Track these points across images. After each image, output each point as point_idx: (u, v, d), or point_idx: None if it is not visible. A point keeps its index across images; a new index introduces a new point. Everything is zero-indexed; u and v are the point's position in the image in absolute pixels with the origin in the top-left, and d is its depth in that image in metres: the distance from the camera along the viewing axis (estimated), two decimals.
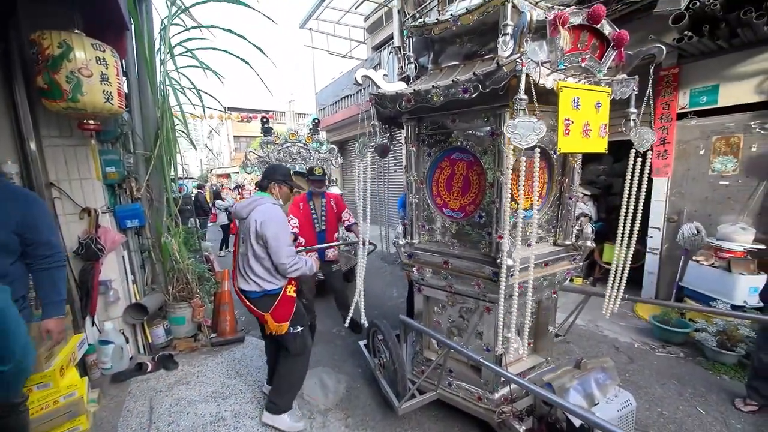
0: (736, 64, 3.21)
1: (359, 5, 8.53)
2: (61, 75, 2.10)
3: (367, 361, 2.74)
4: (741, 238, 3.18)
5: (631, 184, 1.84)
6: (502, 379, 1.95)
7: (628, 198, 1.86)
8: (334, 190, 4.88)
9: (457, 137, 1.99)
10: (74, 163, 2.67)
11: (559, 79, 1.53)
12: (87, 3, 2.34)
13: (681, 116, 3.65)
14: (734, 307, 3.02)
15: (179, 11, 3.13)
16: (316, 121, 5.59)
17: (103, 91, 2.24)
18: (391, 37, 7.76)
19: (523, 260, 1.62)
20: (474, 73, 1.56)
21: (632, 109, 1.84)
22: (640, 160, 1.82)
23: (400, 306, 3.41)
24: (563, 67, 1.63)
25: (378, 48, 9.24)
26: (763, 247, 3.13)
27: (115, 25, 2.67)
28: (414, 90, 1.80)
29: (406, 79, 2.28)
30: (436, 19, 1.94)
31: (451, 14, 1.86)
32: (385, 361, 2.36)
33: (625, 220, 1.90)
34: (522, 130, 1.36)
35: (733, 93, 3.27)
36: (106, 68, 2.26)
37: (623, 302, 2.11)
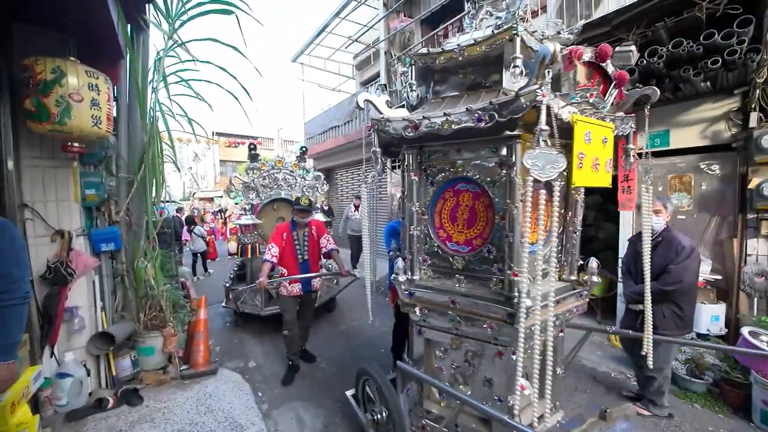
0: (682, 113, 3.62)
1: (349, 45, 9.09)
2: (51, 99, 2.13)
3: (346, 397, 2.60)
4: (700, 269, 3.40)
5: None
6: None
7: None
8: (318, 217, 4.84)
9: (462, 167, 1.87)
10: (52, 184, 2.62)
11: (573, 113, 1.49)
12: (83, 33, 2.43)
13: (640, 156, 4.00)
14: (699, 335, 3.17)
15: (175, 45, 3.28)
16: (304, 149, 5.73)
17: (92, 115, 2.28)
18: (378, 75, 8.25)
19: (539, 298, 1.46)
20: (491, 102, 1.51)
21: (630, 146, 1.93)
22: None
23: (385, 337, 3.36)
24: (575, 101, 1.59)
25: (366, 83, 9.76)
26: (719, 277, 3.36)
27: (111, 54, 2.76)
28: (423, 116, 1.70)
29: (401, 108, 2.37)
30: (441, 48, 1.91)
31: (458, 44, 1.83)
32: (379, 418, 2.02)
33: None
34: (542, 161, 1.31)
35: (681, 137, 3.65)
36: (98, 94, 2.31)
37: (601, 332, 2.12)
